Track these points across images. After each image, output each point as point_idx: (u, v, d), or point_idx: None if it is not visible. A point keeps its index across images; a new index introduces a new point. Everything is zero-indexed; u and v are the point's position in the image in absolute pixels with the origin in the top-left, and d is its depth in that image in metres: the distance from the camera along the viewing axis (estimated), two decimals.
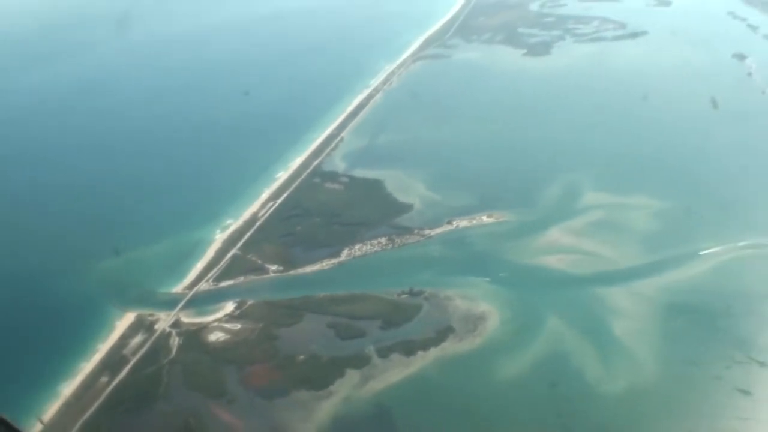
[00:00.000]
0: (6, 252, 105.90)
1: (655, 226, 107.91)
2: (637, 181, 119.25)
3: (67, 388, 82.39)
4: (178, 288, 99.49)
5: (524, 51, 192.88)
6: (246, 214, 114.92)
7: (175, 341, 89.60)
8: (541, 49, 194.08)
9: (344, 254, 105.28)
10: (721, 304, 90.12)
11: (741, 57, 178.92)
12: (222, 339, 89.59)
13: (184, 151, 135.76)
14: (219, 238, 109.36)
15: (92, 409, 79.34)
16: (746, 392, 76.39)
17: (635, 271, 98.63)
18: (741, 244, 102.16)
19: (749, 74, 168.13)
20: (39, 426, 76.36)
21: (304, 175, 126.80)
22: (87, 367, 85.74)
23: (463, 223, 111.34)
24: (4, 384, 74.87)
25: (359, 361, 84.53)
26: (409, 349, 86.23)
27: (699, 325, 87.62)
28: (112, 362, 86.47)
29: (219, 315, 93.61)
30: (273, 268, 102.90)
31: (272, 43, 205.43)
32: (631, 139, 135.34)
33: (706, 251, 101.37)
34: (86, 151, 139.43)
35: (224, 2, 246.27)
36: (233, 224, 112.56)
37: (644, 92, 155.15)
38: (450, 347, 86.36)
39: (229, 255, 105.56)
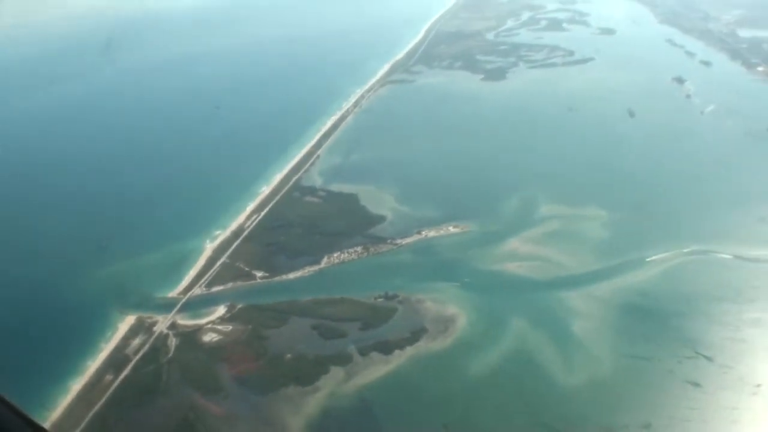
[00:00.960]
0: (17, 260, 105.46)
1: (606, 235, 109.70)
2: (588, 193, 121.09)
3: (77, 385, 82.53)
4: (173, 293, 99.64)
5: (482, 76, 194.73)
6: (233, 225, 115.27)
7: (172, 342, 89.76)
8: (498, 74, 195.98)
9: (324, 262, 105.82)
10: (670, 306, 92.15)
11: (680, 81, 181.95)
12: (215, 339, 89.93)
13: (175, 169, 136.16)
14: (209, 247, 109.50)
15: (100, 404, 79.56)
16: (696, 384, 78.11)
17: (590, 275, 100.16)
18: (686, 250, 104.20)
19: (688, 96, 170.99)
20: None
21: (284, 189, 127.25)
22: (93, 365, 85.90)
23: (431, 233, 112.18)
24: (19, 380, 74.90)
25: (342, 360, 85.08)
26: (387, 348, 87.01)
27: (650, 324, 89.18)
28: (116, 361, 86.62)
29: (212, 318, 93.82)
30: (259, 274, 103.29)
31: (253, 69, 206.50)
32: (581, 155, 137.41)
33: (654, 257, 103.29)
34: (86, 168, 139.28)
35: (208, 32, 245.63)
36: (221, 234, 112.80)
37: (589, 113, 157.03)
38: (424, 346, 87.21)
39: (218, 263, 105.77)
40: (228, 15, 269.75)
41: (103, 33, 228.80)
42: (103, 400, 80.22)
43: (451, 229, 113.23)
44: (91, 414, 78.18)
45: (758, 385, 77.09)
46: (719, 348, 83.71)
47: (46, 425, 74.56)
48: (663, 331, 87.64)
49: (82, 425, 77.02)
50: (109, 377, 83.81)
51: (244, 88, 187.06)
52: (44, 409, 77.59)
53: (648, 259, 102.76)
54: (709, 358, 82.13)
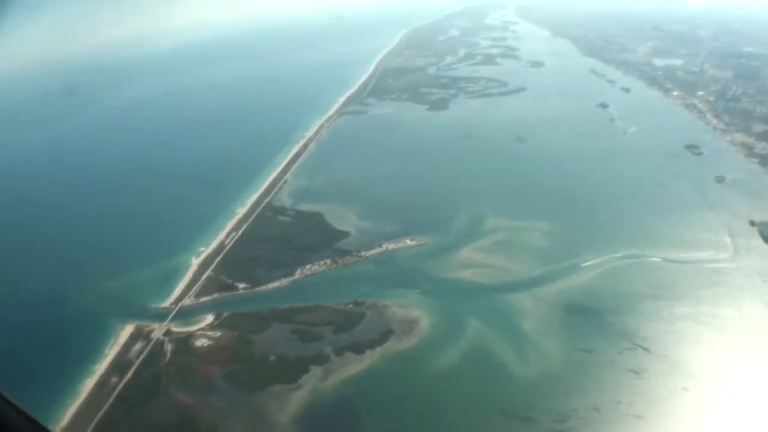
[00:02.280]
0: (26, 276, 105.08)
1: (546, 244, 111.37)
2: (528, 207, 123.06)
3: (85, 387, 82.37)
4: (166, 303, 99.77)
5: (427, 106, 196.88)
6: (215, 243, 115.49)
7: (168, 347, 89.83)
8: (441, 104, 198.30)
9: (298, 273, 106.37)
10: (608, 304, 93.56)
11: (604, 106, 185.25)
12: (206, 344, 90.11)
13: (160, 194, 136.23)
14: (195, 262, 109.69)
15: (107, 405, 79.45)
16: (636, 372, 79.30)
17: (535, 279, 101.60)
18: (618, 255, 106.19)
19: (612, 120, 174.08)
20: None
21: (258, 210, 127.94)
22: (99, 369, 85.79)
23: (391, 246, 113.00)
24: (31, 385, 74.56)
25: (320, 360, 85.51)
26: (359, 348, 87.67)
27: (592, 321, 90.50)
28: (119, 365, 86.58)
29: (202, 325, 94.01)
30: (241, 285, 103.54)
31: (223, 106, 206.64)
32: (519, 174, 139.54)
33: (590, 262, 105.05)
34: (83, 195, 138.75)
35: (180, 72, 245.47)
36: (205, 251, 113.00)
37: (525, 136, 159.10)
38: (392, 346, 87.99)
39: (204, 276, 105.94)
40: (198, 57, 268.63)
41: (83, 77, 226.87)
42: (111, 400, 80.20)
43: (409, 242, 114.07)
44: (101, 413, 78.19)
45: (691, 372, 78.64)
46: (654, 340, 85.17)
47: (61, 425, 75.61)
48: (603, 327, 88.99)
49: (93, 424, 76.98)
50: (114, 380, 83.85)
51: (214, 122, 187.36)
52: (57, 410, 77.66)
53: (585, 264, 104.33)
54: (646, 349, 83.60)
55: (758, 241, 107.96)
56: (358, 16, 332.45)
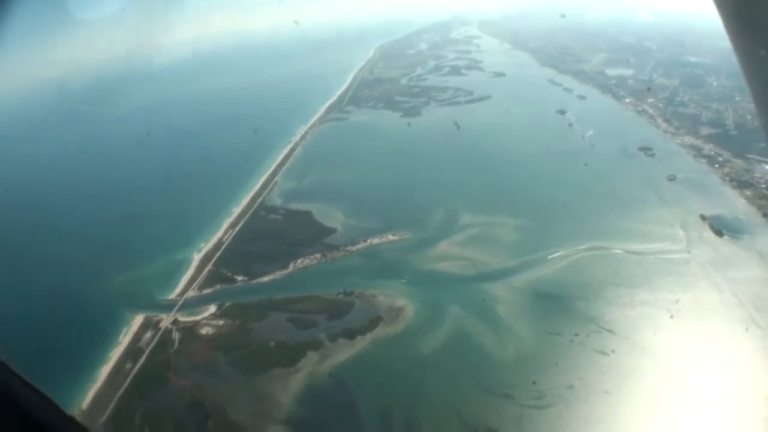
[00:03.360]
0: (45, 272, 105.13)
1: (515, 237, 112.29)
2: (497, 205, 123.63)
3: (102, 373, 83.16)
4: (172, 295, 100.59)
5: (401, 113, 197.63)
6: (214, 239, 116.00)
7: (176, 335, 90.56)
8: (413, 111, 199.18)
9: (291, 266, 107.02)
10: (575, 291, 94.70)
11: (562, 112, 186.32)
12: (211, 332, 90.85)
13: (160, 196, 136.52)
14: (196, 257, 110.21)
15: (123, 388, 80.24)
16: (603, 352, 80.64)
17: (507, 270, 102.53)
18: (582, 247, 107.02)
19: (570, 124, 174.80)
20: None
21: (252, 209, 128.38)
22: (114, 355, 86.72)
23: (375, 240, 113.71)
24: (53, 370, 74.69)
25: (316, 345, 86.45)
26: (351, 334, 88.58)
27: (560, 307, 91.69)
28: (132, 352, 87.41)
29: (205, 315, 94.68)
30: (240, 278, 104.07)
31: (214, 115, 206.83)
32: (489, 174, 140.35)
33: (556, 254, 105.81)
34: (93, 199, 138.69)
35: (172, 86, 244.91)
36: (205, 247, 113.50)
37: (491, 140, 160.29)
38: (381, 331, 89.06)
39: (206, 270, 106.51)
40: (188, 72, 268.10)
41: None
42: (126, 384, 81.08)
43: (391, 237, 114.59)
44: (117, 395, 79.05)
45: (651, 351, 79.89)
46: (618, 323, 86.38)
47: (82, 407, 76.00)
48: (571, 312, 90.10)
49: (111, 405, 77.62)
50: (128, 365, 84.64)
51: (209, 129, 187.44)
52: (78, 393, 78.28)
53: (551, 256, 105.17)
54: (611, 331, 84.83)
55: (709, 234, 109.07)
56: (335, 31, 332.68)
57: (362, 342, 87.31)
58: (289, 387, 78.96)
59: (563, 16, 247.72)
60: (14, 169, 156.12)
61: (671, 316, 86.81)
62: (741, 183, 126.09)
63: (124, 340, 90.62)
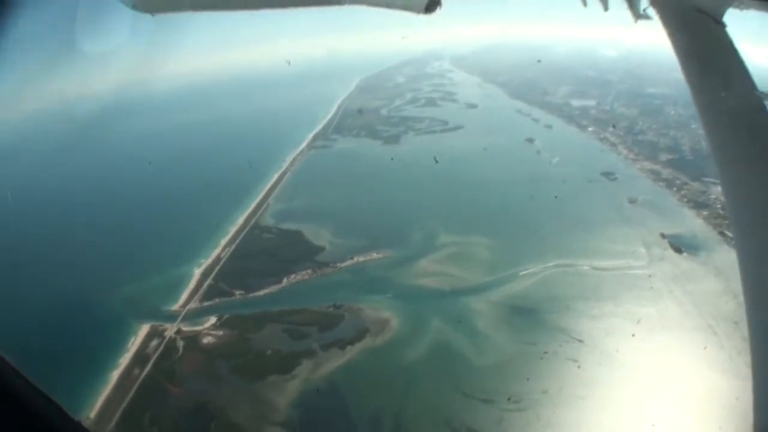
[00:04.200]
0: (55, 282, 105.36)
1: (489, 255, 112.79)
2: (472, 226, 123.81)
3: (113, 377, 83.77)
4: (175, 307, 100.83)
5: (382, 141, 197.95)
6: (213, 256, 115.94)
7: (180, 344, 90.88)
8: (393, 140, 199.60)
9: (284, 281, 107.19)
10: (546, 305, 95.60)
11: (530, 140, 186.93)
12: (212, 342, 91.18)
13: (162, 215, 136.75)
14: (197, 272, 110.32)
15: (132, 392, 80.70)
16: (575, 360, 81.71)
17: (483, 285, 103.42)
18: (551, 264, 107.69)
19: (538, 152, 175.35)
20: None
21: (247, 228, 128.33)
22: (123, 362, 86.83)
23: (361, 258, 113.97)
24: (65, 375, 74.97)
25: (309, 354, 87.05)
26: (341, 344, 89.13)
27: (534, 319, 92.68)
28: (139, 359, 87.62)
29: (207, 325, 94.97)
30: (238, 292, 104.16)
31: (207, 142, 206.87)
32: (464, 197, 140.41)
33: (527, 270, 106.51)
34: (98, 218, 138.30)
35: (166, 115, 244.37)
36: (205, 262, 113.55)
37: (465, 165, 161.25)
38: (369, 342, 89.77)
39: (206, 284, 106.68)
40: (180, 102, 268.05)
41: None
42: (135, 388, 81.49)
43: (375, 255, 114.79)
44: (127, 399, 79.63)
45: (619, 359, 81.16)
46: (587, 333, 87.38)
47: (94, 409, 76.05)
48: (544, 324, 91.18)
49: (121, 408, 78.22)
50: (136, 371, 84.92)
51: (204, 156, 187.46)
52: (90, 396, 79.01)
53: (523, 273, 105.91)
54: (581, 341, 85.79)
55: (669, 251, 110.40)
56: (320, 65, 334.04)
57: (352, 351, 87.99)
58: (285, 392, 79.69)
59: (539, 61, 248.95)
60: (25, 188, 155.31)
61: (636, 327, 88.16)
62: (697, 204, 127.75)
63: (132, 347, 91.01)
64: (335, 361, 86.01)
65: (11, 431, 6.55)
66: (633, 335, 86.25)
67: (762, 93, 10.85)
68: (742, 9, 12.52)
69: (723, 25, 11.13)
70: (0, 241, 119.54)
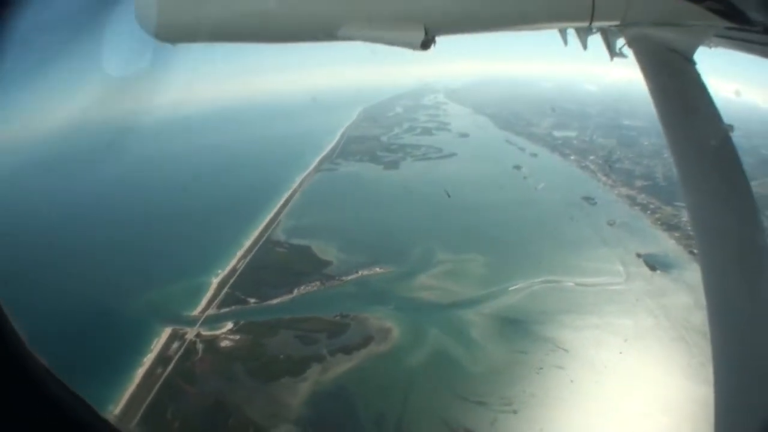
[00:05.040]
0: (85, 289, 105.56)
1: (482, 272, 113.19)
2: (467, 244, 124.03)
3: (138, 375, 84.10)
4: (195, 312, 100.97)
5: (383, 166, 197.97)
6: (229, 267, 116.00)
7: (199, 347, 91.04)
8: (393, 165, 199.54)
9: (295, 292, 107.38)
10: (534, 317, 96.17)
11: (518, 167, 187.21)
12: (229, 345, 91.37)
13: (184, 231, 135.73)
14: (214, 281, 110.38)
15: (155, 389, 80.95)
16: (561, 367, 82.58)
17: (476, 299, 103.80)
18: (537, 280, 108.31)
19: (525, 178, 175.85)
20: None
21: (260, 242, 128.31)
22: (147, 361, 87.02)
23: (365, 272, 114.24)
24: (95, 372, 74.64)
25: (319, 358, 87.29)
26: (348, 350, 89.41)
27: (523, 330, 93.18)
28: (162, 359, 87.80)
29: (224, 330, 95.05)
30: (252, 300, 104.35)
31: (225, 162, 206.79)
32: (458, 219, 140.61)
33: (516, 286, 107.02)
34: (121, 231, 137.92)
35: (194, 132, 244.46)
36: (222, 273, 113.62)
37: (458, 190, 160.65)
38: (374, 348, 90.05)
39: (223, 292, 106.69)
40: (195, 127, 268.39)
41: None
42: (158, 386, 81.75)
43: (378, 270, 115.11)
44: (151, 396, 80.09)
45: (600, 367, 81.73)
46: (571, 343, 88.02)
47: (120, 404, 76.56)
48: (532, 334, 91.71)
49: (146, 403, 78.74)
50: (159, 370, 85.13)
51: (219, 177, 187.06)
52: (117, 392, 79.67)
53: (512, 288, 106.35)
54: (566, 350, 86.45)
55: (644, 269, 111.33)
56: (326, 94, 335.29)
57: (358, 357, 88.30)
58: (297, 393, 79.85)
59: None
60: (59, 203, 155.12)
61: (615, 337, 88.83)
62: (670, 226, 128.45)
63: (155, 348, 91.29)
64: (342, 366, 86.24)
65: (45, 427, 6.59)
66: (613, 345, 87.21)
67: (727, 125, 11.00)
68: (711, 47, 12.88)
69: (693, 63, 11.28)
70: (37, 253, 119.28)
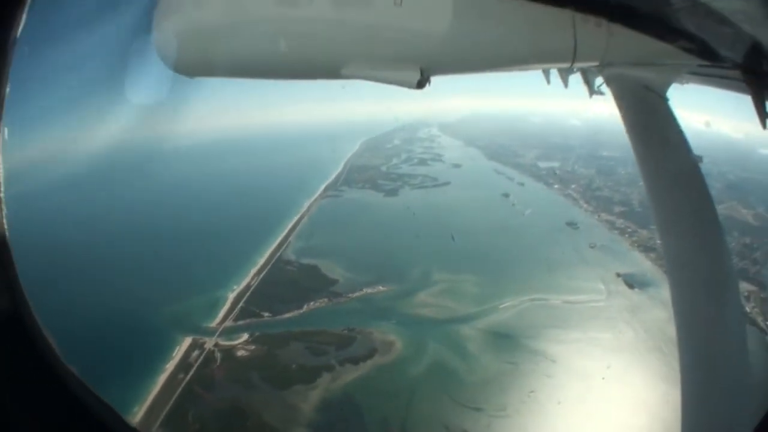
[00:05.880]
0: (112, 303, 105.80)
1: (475, 290, 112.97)
2: (461, 265, 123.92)
3: (161, 380, 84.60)
4: (213, 324, 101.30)
5: (383, 193, 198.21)
6: (244, 283, 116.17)
7: (218, 355, 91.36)
8: (393, 192, 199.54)
9: (305, 307, 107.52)
10: (523, 332, 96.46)
11: (506, 195, 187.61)
12: (245, 354, 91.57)
13: (201, 250, 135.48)
14: (230, 296, 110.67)
15: (177, 393, 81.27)
16: (549, 376, 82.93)
17: (470, 315, 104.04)
18: (526, 298, 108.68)
19: (513, 205, 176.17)
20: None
21: (272, 261, 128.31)
22: (169, 367, 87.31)
23: (369, 290, 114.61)
24: (121, 376, 75.18)
25: (328, 368, 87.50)
26: (355, 360, 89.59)
27: (513, 343, 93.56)
28: (183, 366, 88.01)
29: (240, 341, 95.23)
30: (266, 314, 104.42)
31: (238, 187, 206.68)
32: (452, 243, 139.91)
33: (507, 303, 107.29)
34: (142, 247, 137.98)
35: (209, 159, 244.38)
36: (237, 288, 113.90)
37: (452, 215, 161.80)
38: (379, 359, 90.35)
39: (238, 306, 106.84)
40: (219, 152, 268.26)
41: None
42: (179, 390, 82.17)
43: (381, 288, 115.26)
44: (173, 399, 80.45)
45: (585, 375, 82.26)
46: (558, 355, 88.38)
47: (145, 405, 77.73)
48: (522, 347, 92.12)
49: (168, 406, 79.29)
50: (181, 376, 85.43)
51: (236, 199, 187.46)
52: (142, 395, 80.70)
53: (503, 305, 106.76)
54: (553, 361, 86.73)
55: (623, 287, 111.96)
56: (330, 127, 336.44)
57: (364, 367, 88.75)
58: (309, 399, 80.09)
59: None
60: (87, 223, 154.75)
61: (598, 349, 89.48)
62: (646, 248, 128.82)
63: (177, 355, 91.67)
64: (350, 375, 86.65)
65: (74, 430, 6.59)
66: (596, 355, 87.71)
67: (697, 156, 11.39)
68: (683, 84, 13.09)
69: (666, 99, 11.56)
70: (70, 267, 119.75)
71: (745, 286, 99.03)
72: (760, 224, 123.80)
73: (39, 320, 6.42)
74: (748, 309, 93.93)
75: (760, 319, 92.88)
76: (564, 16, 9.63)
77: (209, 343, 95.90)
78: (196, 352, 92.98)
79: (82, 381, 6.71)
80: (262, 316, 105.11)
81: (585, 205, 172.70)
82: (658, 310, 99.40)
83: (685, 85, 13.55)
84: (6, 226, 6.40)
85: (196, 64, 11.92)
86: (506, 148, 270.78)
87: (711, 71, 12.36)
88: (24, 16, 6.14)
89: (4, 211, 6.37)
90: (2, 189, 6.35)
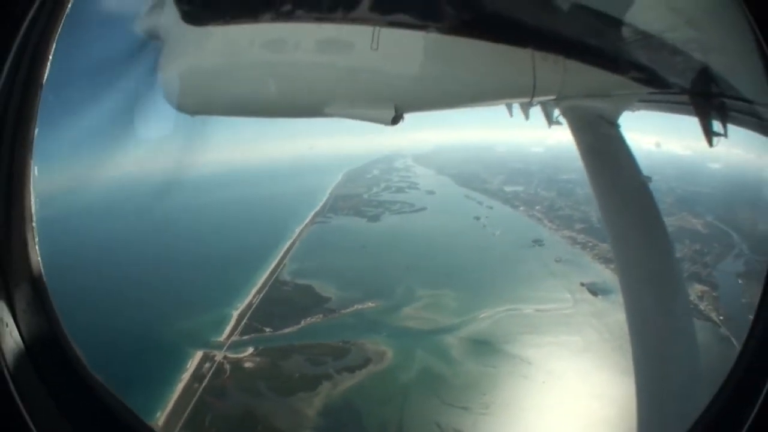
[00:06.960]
0: (131, 319, 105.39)
1: (454, 304, 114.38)
2: (441, 282, 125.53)
3: (178, 388, 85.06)
4: (221, 339, 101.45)
5: (366, 219, 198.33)
6: (246, 301, 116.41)
7: (227, 367, 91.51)
8: (375, 218, 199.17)
9: (302, 323, 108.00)
10: (500, 338, 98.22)
11: (477, 218, 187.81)
12: (252, 366, 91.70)
13: (206, 271, 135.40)
14: (235, 313, 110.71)
15: (194, 400, 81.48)
16: (526, 377, 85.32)
17: (452, 326, 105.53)
18: (501, 309, 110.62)
19: (483, 226, 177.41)
20: None
21: (270, 281, 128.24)
22: (185, 377, 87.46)
23: (360, 306, 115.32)
24: (143, 385, 75.13)
25: (328, 377, 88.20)
26: (351, 370, 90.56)
27: (492, 349, 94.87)
28: (197, 376, 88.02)
29: (246, 354, 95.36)
30: (267, 329, 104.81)
31: (235, 215, 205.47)
32: (430, 262, 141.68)
33: (484, 314, 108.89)
34: (150, 267, 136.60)
35: (208, 191, 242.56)
36: (241, 306, 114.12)
37: (428, 237, 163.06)
38: (373, 368, 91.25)
39: (242, 323, 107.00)
40: (217, 184, 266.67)
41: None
42: (195, 397, 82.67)
43: (370, 304, 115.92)
44: (190, 405, 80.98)
45: (557, 375, 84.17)
46: (533, 357, 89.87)
47: (165, 410, 78.70)
48: (500, 352, 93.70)
49: (187, 411, 79.94)
50: (195, 386, 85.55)
51: (234, 226, 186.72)
52: (162, 401, 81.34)
53: (481, 316, 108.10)
54: (529, 363, 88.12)
55: (587, 295, 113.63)
56: (314, 160, 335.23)
57: (360, 375, 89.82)
58: (312, 405, 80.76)
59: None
60: (104, 250, 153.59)
61: (567, 351, 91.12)
62: (606, 260, 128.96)
63: (191, 366, 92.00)
64: (348, 382, 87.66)
65: None
66: (567, 356, 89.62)
67: (646, 177, 11.82)
68: (634, 111, 13.36)
69: (617, 126, 11.99)
70: (97, 289, 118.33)
71: (698, 287, 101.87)
72: (708, 231, 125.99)
73: (69, 335, 6.61)
74: (702, 307, 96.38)
75: (714, 315, 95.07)
76: (524, 55, 10.06)
77: (219, 355, 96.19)
78: (207, 364, 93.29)
79: (108, 388, 6.98)
80: (265, 331, 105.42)
81: (549, 224, 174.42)
82: (619, 314, 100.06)
83: (636, 112, 13.93)
84: (39, 254, 6.65)
85: (196, 104, 12.71)
86: (475, 175, 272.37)
87: (661, 97, 12.82)
88: (48, 65, 6.41)
89: (37, 239, 6.62)
90: (35, 220, 6.58)
